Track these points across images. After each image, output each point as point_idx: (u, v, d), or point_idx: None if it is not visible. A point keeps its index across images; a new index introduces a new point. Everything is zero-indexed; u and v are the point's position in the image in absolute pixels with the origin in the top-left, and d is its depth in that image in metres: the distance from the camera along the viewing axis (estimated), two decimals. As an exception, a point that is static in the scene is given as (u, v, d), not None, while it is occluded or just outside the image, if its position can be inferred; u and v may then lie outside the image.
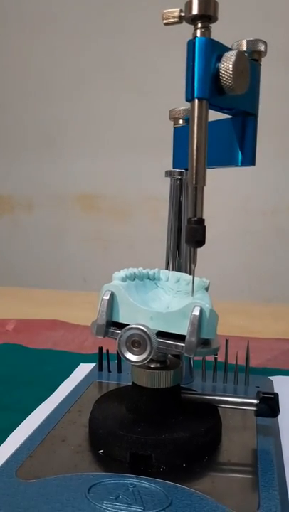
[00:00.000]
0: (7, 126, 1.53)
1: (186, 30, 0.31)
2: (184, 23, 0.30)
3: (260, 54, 0.34)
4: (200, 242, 0.31)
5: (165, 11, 0.30)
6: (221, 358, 0.44)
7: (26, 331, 0.68)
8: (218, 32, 0.32)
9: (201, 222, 0.31)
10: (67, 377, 0.49)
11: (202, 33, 0.29)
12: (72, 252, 1.52)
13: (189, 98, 0.30)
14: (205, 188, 0.31)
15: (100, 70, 1.40)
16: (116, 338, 0.31)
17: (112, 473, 0.30)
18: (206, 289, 0.34)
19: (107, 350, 0.47)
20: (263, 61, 0.35)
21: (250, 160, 0.35)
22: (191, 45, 0.29)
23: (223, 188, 1.21)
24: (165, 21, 0.30)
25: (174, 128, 0.43)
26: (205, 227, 0.31)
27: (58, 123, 1.47)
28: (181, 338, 0.31)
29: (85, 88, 1.43)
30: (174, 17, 0.30)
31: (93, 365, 0.49)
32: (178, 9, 0.30)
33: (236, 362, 0.45)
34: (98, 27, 1.39)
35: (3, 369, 0.53)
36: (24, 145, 1.51)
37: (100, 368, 0.47)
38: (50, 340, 0.64)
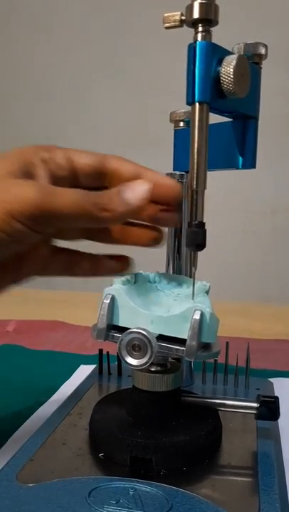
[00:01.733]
0: (7, 125, 1.52)
1: (188, 32, 0.31)
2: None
3: (261, 57, 0.34)
4: (200, 245, 0.31)
5: (166, 14, 0.30)
6: (221, 360, 0.44)
7: (27, 331, 0.68)
8: (219, 35, 0.32)
9: (201, 225, 0.31)
10: (68, 378, 0.49)
11: (203, 37, 0.29)
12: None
13: (190, 101, 0.30)
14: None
15: (101, 70, 1.40)
16: (116, 342, 0.31)
17: (113, 476, 0.30)
18: (207, 292, 0.34)
19: (108, 352, 0.47)
20: (263, 63, 0.35)
21: (250, 163, 0.35)
22: (191, 48, 0.29)
23: (222, 187, 1.21)
24: (166, 25, 0.30)
25: (175, 130, 0.43)
26: (205, 230, 0.31)
27: (58, 122, 1.47)
28: (181, 341, 0.30)
29: (85, 88, 1.43)
30: (174, 21, 0.30)
31: (93, 366, 0.49)
32: (179, 13, 0.29)
33: (236, 364, 0.45)
34: (100, 27, 1.38)
35: (4, 370, 0.53)
36: (24, 144, 1.51)
37: (101, 370, 0.47)
38: (51, 341, 0.64)
